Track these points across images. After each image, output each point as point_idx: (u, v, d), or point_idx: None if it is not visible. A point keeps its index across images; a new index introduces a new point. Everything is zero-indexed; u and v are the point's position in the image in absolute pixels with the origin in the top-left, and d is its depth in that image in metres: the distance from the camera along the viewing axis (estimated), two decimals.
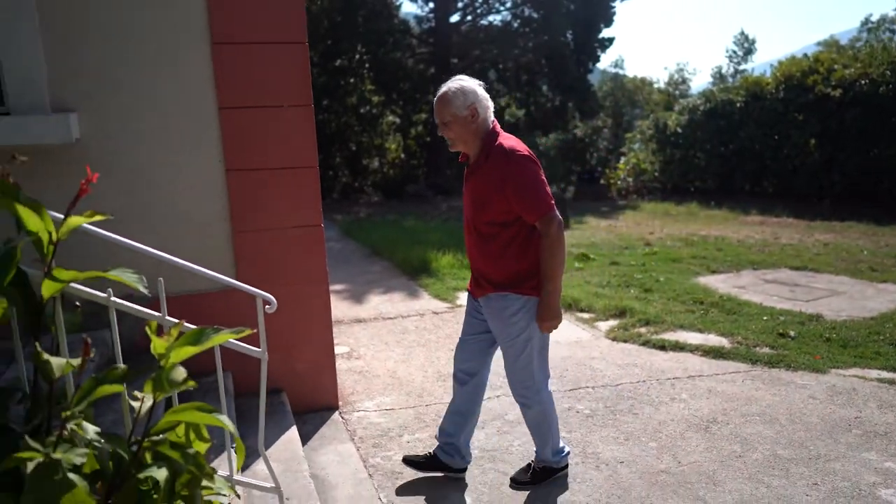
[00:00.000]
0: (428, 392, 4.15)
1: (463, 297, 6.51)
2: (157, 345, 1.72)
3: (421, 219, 12.94)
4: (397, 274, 7.75)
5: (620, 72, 29.82)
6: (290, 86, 3.56)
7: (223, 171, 3.51)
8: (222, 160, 3.50)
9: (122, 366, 1.68)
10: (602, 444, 3.43)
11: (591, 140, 20.39)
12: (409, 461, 3.16)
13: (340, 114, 19.07)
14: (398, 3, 20.21)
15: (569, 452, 3.16)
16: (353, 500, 2.96)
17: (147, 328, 1.73)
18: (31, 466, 1.55)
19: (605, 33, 20.15)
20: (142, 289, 1.87)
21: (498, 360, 3.08)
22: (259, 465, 2.84)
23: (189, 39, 3.38)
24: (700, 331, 5.20)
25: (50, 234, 1.85)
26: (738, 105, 15.38)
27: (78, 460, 1.62)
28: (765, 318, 5.45)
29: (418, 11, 21.00)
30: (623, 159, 18.80)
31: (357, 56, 19.31)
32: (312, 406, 3.83)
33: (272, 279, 3.50)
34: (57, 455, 1.57)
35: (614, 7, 19.46)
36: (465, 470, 3.15)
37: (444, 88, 2.76)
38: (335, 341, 3.90)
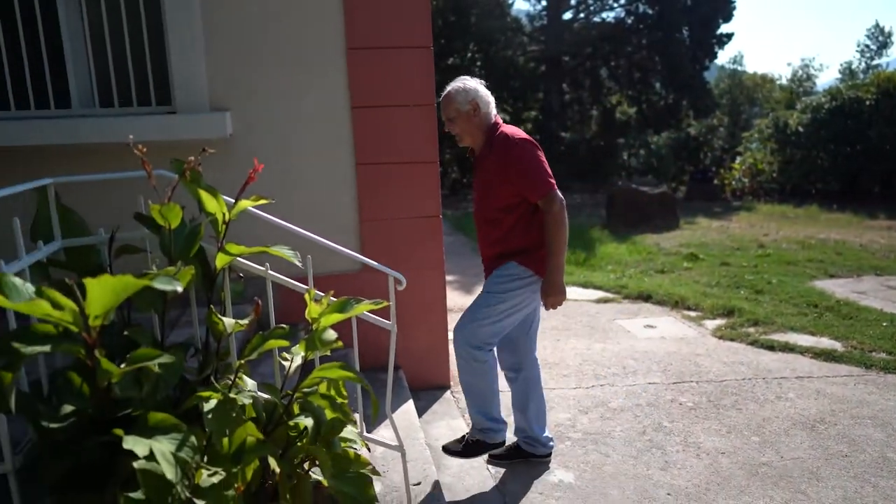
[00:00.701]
0: None
1: (570, 291, 6.64)
2: (312, 310, 2.03)
3: None
4: None
5: (739, 68, 28.67)
6: (416, 87, 3.85)
7: (353, 165, 3.86)
8: (353, 154, 3.85)
9: (284, 325, 2.00)
10: (704, 434, 3.53)
11: (705, 139, 19.82)
12: (495, 457, 3.24)
13: None
14: (510, 2, 20.40)
15: (503, 430, 3.15)
16: (464, 468, 3.22)
17: (306, 295, 2.05)
18: (211, 405, 1.89)
19: (724, 29, 19.59)
20: (297, 262, 2.20)
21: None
22: (380, 431, 3.15)
23: (327, 46, 3.75)
24: (812, 333, 5.12)
25: (224, 214, 2.21)
26: (868, 103, 14.55)
27: (246, 401, 1.96)
28: (884, 323, 5.29)
29: (530, 9, 21.13)
30: (739, 159, 18.16)
31: (469, 54, 19.66)
32: (426, 384, 4.12)
33: (393, 264, 3.77)
34: (232, 395, 1.90)
35: (734, 1, 18.83)
36: (550, 455, 3.29)
37: (448, 88, 3.00)
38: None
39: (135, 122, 3.61)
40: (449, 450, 3.18)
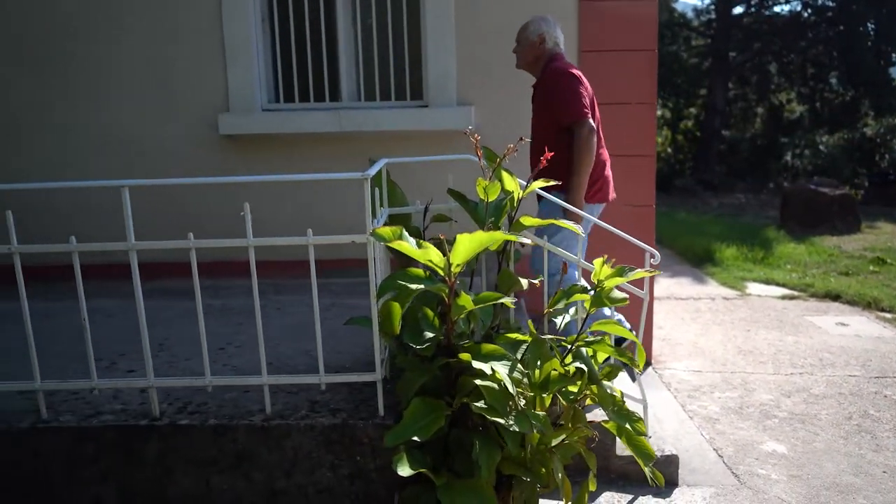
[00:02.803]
0: (731, 362, 4.60)
1: (752, 287, 6.76)
2: (600, 272, 2.46)
3: (692, 212, 13.02)
4: (680, 261, 8.14)
5: None
6: (639, 86, 4.21)
7: None
8: None
9: (582, 284, 2.45)
10: None
11: (883, 140, 18.56)
12: None
13: None
14: None
15: None
16: (679, 432, 3.57)
17: (596, 261, 2.48)
18: (527, 342, 2.36)
19: None
20: (581, 233, 2.64)
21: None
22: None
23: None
24: None
25: (518, 193, 2.68)
26: None
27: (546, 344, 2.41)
28: None
29: (698, 3, 20.67)
30: None
31: None
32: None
33: (609, 248, 4.20)
34: (542, 337, 2.37)
35: None
36: None
37: (531, 17, 3.46)
38: None
39: (393, 113, 4.22)
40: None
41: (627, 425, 2.45)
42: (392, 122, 4.18)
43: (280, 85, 4.39)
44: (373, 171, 2.31)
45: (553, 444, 2.38)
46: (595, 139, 3.27)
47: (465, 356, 2.21)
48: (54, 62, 4.31)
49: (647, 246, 2.91)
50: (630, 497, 2.93)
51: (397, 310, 2.21)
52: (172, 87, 4.30)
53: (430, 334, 2.27)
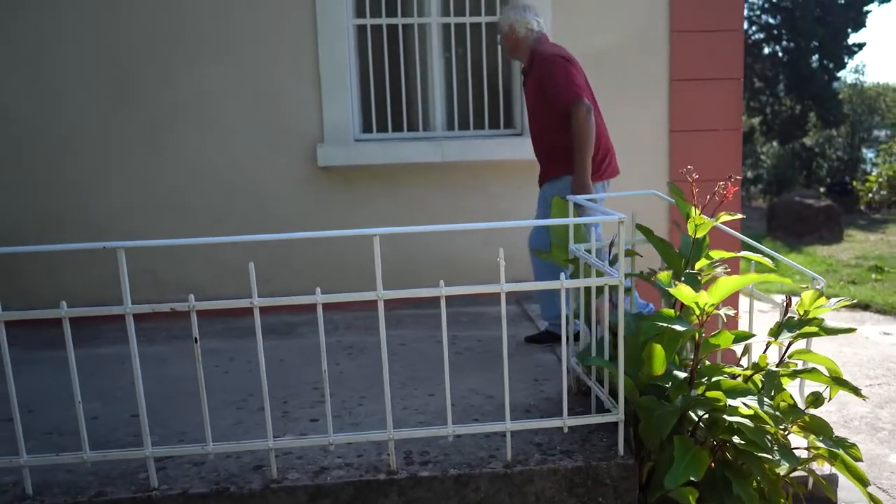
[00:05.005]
0: None
1: (780, 298, 7.00)
2: (808, 303, 2.53)
3: None
4: None
5: (861, 78, 27.91)
6: (725, 112, 4.35)
7: (667, 179, 4.38)
8: (668, 171, 4.37)
9: (795, 317, 2.51)
10: None
11: (821, 149, 19.63)
12: (530, 339, 3.51)
13: None
14: None
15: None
16: None
17: (808, 293, 2.55)
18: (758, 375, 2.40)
19: (854, 38, 19.32)
20: (771, 265, 2.71)
21: None
22: None
23: (655, 78, 4.29)
24: None
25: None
26: None
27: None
28: None
29: None
30: (875, 171, 17.90)
31: None
32: None
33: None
34: (773, 369, 2.42)
35: (870, 10, 18.59)
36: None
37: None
38: None
39: (491, 143, 4.22)
40: (529, 338, 3.51)
41: (841, 451, 2.53)
42: (491, 152, 4.19)
43: (373, 115, 4.34)
44: (618, 214, 2.32)
45: (782, 473, 2.44)
46: (593, 118, 3.18)
47: (716, 394, 2.24)
48: (156, 91, 4.15)
49: (813, 273, 3.01)
50: None
51: (660, 352, 2.22)
52: (270, 119, 4.19)
53: (680, 374, 2.29)
